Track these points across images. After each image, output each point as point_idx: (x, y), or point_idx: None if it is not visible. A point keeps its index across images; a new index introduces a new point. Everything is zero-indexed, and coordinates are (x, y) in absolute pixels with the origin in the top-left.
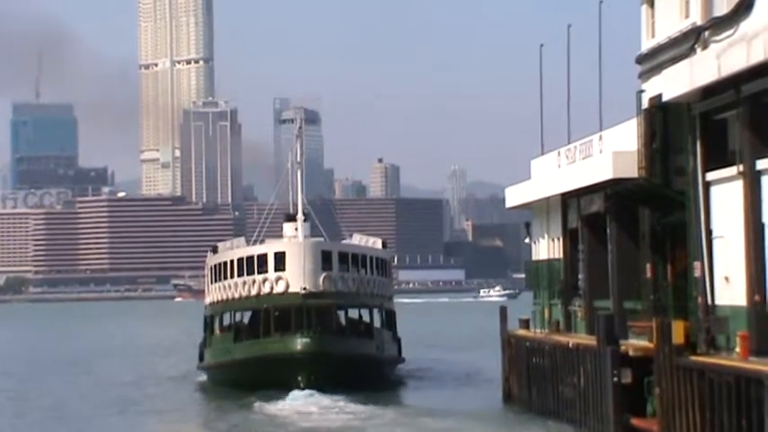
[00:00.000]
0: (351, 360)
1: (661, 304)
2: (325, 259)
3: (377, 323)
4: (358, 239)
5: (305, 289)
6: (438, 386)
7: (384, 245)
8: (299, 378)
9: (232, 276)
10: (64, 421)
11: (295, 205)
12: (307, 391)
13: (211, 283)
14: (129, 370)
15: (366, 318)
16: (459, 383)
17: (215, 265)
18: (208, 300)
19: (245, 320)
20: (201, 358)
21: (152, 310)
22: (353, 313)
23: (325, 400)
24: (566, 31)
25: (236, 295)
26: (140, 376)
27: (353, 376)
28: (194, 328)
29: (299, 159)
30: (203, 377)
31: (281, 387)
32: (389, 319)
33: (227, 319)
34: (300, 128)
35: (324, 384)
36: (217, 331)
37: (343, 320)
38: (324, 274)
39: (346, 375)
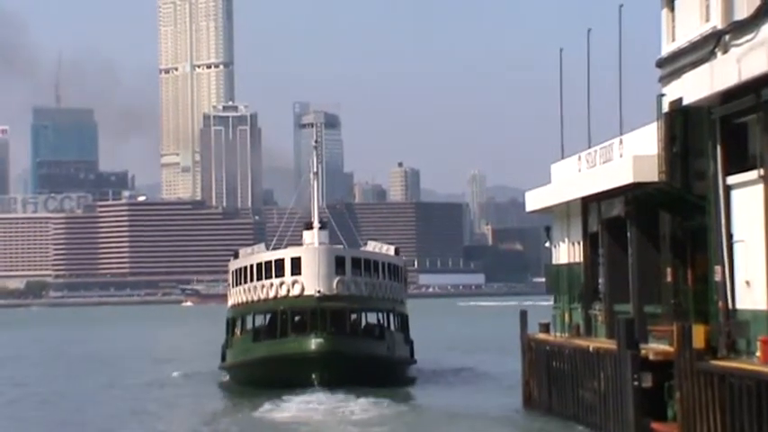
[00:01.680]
0: (362, 359)
1: (682, 308)
2: (339, 264)
3: (391, 326)
4: (372, 246)
5: (319, 292)
6: (460, 389)
7: (397, 252)
8: (313, 376)
9: (252, 280)
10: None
11: (315, 210)
12: (321, 394)
13: (233, 286)
14: (142, 371)
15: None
16: (479, 386)
17: (236, 270)
18: (230, 302)
19: (266, 322)
20: (224, 358)
21: (161, 315)
22: (368, 317)
23: (343, 403)
24: (586, 36)
25: (256, 298)
26: (153, 378)
27: (364, 375)
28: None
29: (315, 169)
30: (225, 376)
31: (296, 385)
32: (402, 322)
33: (247, 321)
34: (317, 141)
35: (336, 382)
36: (238, 332)
37: (356, 323)
38: (337, 278)
39: (357, 374)
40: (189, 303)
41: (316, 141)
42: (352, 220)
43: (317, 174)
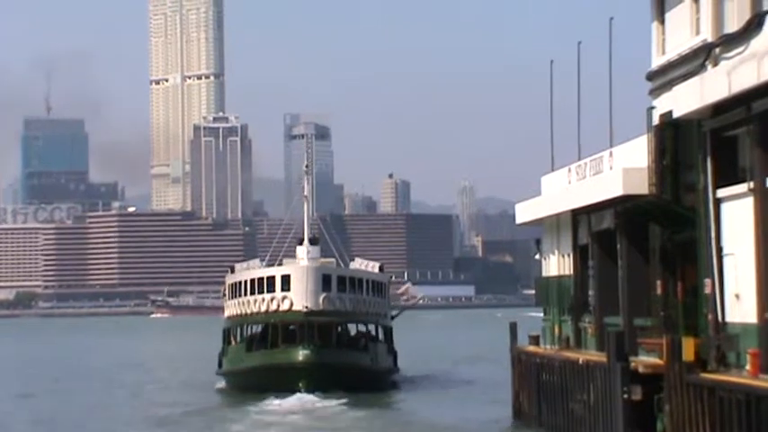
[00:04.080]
0: (345, 369)
1: (671, 321)
2: (326, 282)
3: (376, 338)
4: (358, 264)
5: (307, 307)
6: (449, 401)
7: (381, 269)
8: (300, 384)
9: (246, 294)
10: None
11: (306, 228)
12: (308, 401)
13: (229, 299)
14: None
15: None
16: (470, 398)
17: (232, 284)
18: (226, 314)
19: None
20: (220, 365)
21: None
22: (354, 329)
23: (335, 416)
24: (576, 48)
25: (249, 311)
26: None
27: (348, 383)
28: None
29: (306, 193)
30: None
31: (285, 392)
32: (386, 335)
33: (242, 331)
34: (308, 165)
35: (322, 390)
36: (233, 341)
37: (342, 335)
38: (323, 295)
39: (341, 382)
40: (158, 315)
41: (306, 166)
42: (342, 231)
43: (306, 197)
